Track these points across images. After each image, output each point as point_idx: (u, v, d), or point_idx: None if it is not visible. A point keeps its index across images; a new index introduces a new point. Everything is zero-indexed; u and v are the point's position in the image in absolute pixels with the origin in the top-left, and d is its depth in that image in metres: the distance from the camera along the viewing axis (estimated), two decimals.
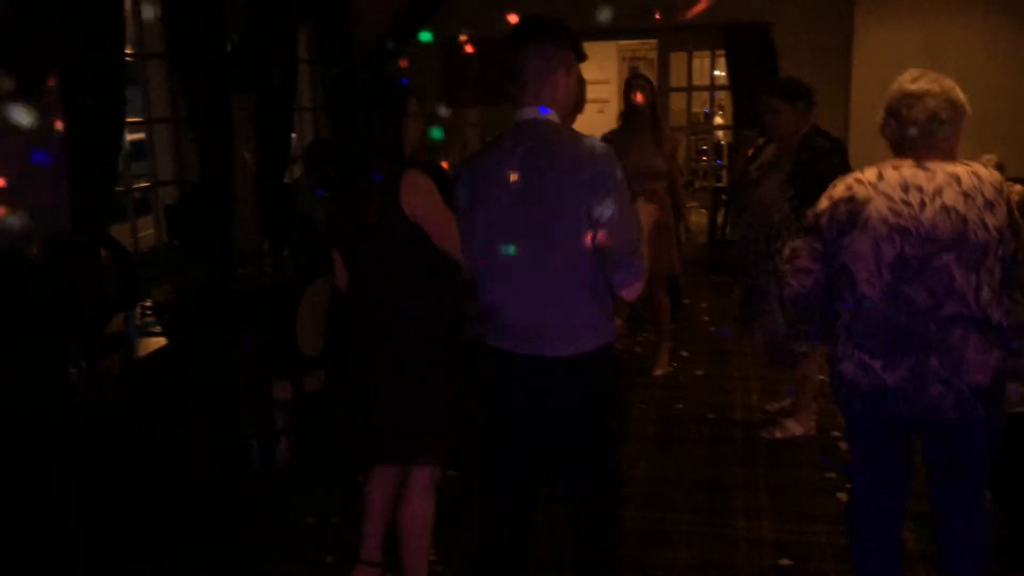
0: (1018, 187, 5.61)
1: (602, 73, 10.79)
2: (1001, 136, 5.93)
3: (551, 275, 2.33)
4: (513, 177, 2.32)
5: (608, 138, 4.99)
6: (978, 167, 2.43)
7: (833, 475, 3.90)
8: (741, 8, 7.45)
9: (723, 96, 9.10)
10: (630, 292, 2.39)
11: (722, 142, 9.50)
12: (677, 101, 8.88)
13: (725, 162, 9.04)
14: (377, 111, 2.84)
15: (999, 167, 5.43)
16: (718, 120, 10.47)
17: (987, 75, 6.55)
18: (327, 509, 3.71)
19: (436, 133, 5.06)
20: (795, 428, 4.34)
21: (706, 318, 6.64)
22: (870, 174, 2.46)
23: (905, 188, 2.39)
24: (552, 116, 2.39)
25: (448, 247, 2.74)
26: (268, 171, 5.97)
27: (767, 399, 4.85)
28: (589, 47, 9.52)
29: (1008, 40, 6.62)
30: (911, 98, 2.43)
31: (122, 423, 3.39)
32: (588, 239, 2.30)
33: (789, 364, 4.40)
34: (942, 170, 2.40)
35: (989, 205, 2.36)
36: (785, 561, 3.25)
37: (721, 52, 7.86)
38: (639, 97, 4.78)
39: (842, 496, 3.71)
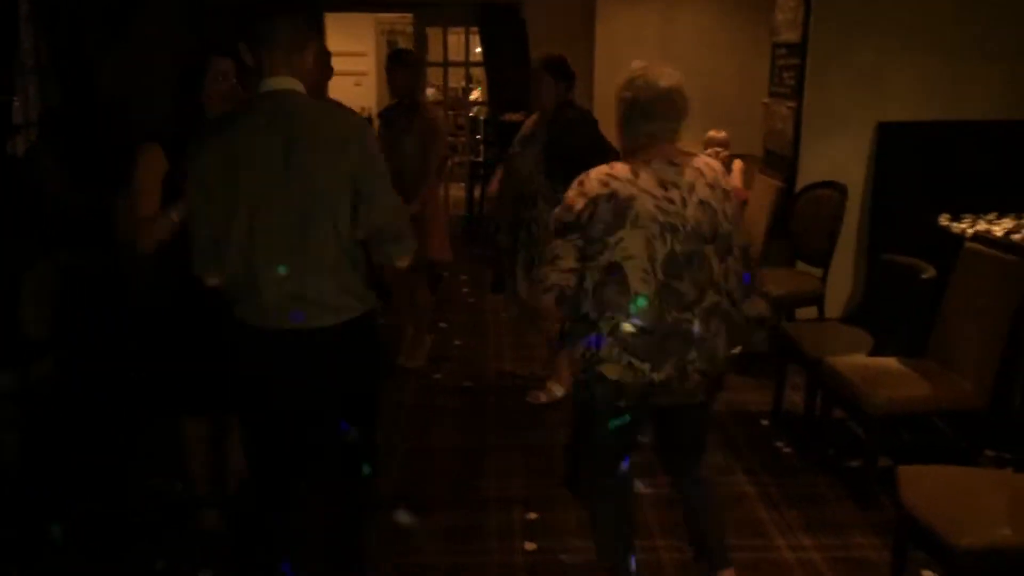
0: (739, 161, 6.25)
1: (359, 45, 10.68)
2: (729, 115, 6.52)
3: (315, 248, 2.33)
4: (275, 148, 2.29)
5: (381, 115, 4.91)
6: (705, 158, 2.56)
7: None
8: None
9: (480, 72, 9.29)
10: (401, 261, 2.47)
11: (479, 117, 9.73)
12: (435, 76, 8.99)
13: (481, 136, 9.25)
14: (180, 75, 2.96)
15: (726, 142, 6.01)
16: (475, 95, 10.69)
17: (718, 57, 7.14)
18: (68, 509, 3.46)
19: None
20: (557, 389, 4.54)
21: (465, 290, 6.81)
22: (622, 171, 2.43)
23: (664, 186, 2.40)
24: (301, 88, 2.37)
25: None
26: None
27: (521, 365, 5.07)
28: (346, 19, 9.45)
29: (738, 24, 7.21)
30: (665, 95, 2.44)
31: None
32: (351, 211, 2.34)
33: (537, 329, 4.64)
34: (688, 165, 2.45)
35: (725, 195, 2.49)
36: (532, 515, 3.44)
37: (475, 29, 8.04)
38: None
39: None
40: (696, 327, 2.44)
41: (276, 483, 2.61)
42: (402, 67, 4.78)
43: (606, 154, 4.00)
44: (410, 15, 8.57)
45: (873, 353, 3.85)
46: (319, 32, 2.45)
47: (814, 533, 3.29)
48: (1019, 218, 4.40)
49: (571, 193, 2.46)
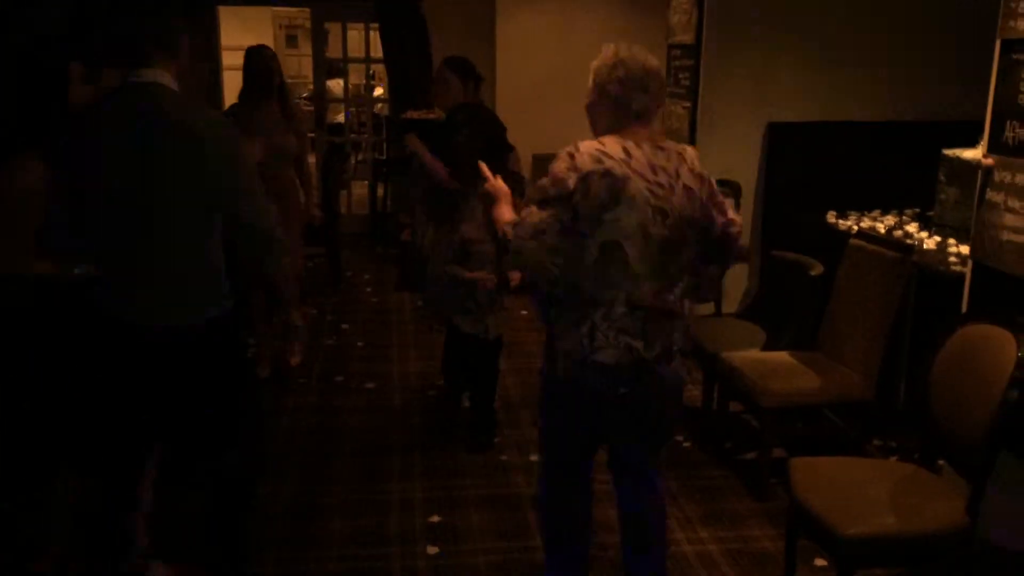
0: None
1: (256, 40, 10.37)
2: None
3: (170, 245, 2.36)
4: (132, 146, 2.28)
5: (230, 113, 4.59)
6: (684, 145, 2.56)
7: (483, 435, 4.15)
8: None
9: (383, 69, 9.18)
10: (269, 268, 2.56)
11: (382, 115, 9.60)
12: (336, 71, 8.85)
13: (384, 135, 9.14)
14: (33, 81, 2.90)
15: None
16: (378, 92, 10.56)
17: None
18: None
19: None
20: None
21: (368, 289, 6.71)
22: (614, 149, 2.37)
23: (654, 170, 2.38)
24: (171, 82, 2.35)
25: None
26: None
27: (425, 364, 5.03)
28: (242, 12, 9.10)
29: (639, 23, 7.26)
30: (654, 73, 2.44)
31: None
32: (210, 212, 2.38)
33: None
34: (672, 149, 2.46)
35: (699, 179, 2.47)
36: (435, 518, 3.40)
37: (376, 25, 7.92)
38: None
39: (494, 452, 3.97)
40: (678, 307, 2.49)
41: (124, 482, 2.59)
42: (272, 58, 4.61)
43: (500, 153, 3.92)
44: (308, 10, 8.39)
45: (766, 347, 3.97)
46: (200, 25, 2.49)
47: (712, 526, 3.36)
48: (901, 215, 4.61)
49: (561, 166, 2.37)
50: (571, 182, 2.34)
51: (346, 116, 9.42)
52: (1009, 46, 2.70)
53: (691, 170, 2.47)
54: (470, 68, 4.09)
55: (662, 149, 2.44)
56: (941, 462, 2.87)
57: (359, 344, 5.45)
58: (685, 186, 2.43)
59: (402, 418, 4.35)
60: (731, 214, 2.57)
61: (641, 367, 2.46)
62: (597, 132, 2.48)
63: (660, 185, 2.39)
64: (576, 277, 2.41)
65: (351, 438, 4.13)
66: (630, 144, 2.40)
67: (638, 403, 2.54)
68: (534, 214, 2.38)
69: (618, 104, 2.43)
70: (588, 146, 2.39)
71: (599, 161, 2.35)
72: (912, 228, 4.24)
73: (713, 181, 2.54)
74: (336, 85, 9.23)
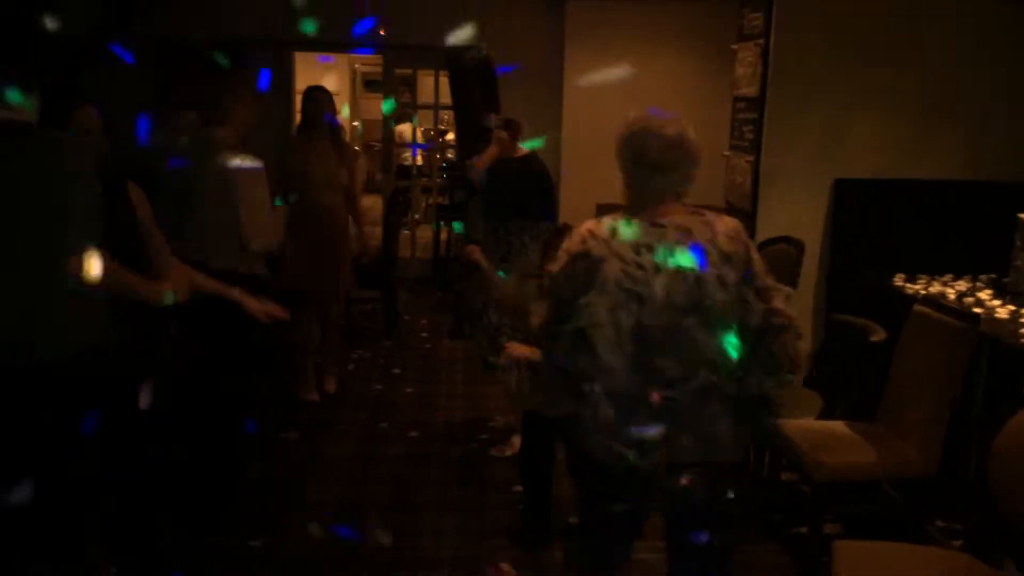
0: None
1: (332, 86, 10.62)
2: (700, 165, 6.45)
3: (33, 275, 2.38)
4: None
5: (288, 146, 4.98)
6: (711, 215, 2.25)
7: (521, 489, 4.01)
8: (460, 32, 7.57)
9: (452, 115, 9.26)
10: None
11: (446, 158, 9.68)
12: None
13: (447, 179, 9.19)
14: None
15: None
16: (451, 136, 10.66)
17: (688, 107, 6.84)
18: None
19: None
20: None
21: (424, 335, 6.67)
22: (604, 228, 2.22)
23: (637, 249, 2.17)
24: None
25: None
26: None
27: (471, 415, 4.94)
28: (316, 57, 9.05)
29: (708, 73, 7.16)
30: (672, 144, 2.23)
31: None
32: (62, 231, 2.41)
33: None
34: (674, 226, 2.20)
35: (725, 258, 2.17)
36: None
37: (445, 73, 7.99)
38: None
39: None
40: (684, 408, 2.16)
41: None
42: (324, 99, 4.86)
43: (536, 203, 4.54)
44: (380, 57, 8.53)
45: (823, 416, 3.74)
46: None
47: None
48: (974, 280, 4.34)
49: (562, 247, 2.30)
50: (558, 263, 2.28)
51: (413, 158, 9.52)
52: None
53: (702, 246, 2.16)
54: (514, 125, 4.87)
55: (658, 225, 2.19)
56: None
57: (408, 391, 5.39)
58: (678, 267, 2.15)
59: (441, 472, 4.24)
60: (777, 303, 2.20)
61: (634, 474, 2.18)
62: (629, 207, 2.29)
63: (640, 267, 2.16)
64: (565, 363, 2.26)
65: (386, 489, 4.04)
66: (622, 222, 2.21)
67: (636, 516, 2.34)
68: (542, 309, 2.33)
69: (635, 184, 2.26)
70: (584, 226, 2.27)
71: (583, 242, 2.22)
72: (985, 295, 3.98)
73: (757, 261, 2.21)
74: (407, 129, 9.35)
